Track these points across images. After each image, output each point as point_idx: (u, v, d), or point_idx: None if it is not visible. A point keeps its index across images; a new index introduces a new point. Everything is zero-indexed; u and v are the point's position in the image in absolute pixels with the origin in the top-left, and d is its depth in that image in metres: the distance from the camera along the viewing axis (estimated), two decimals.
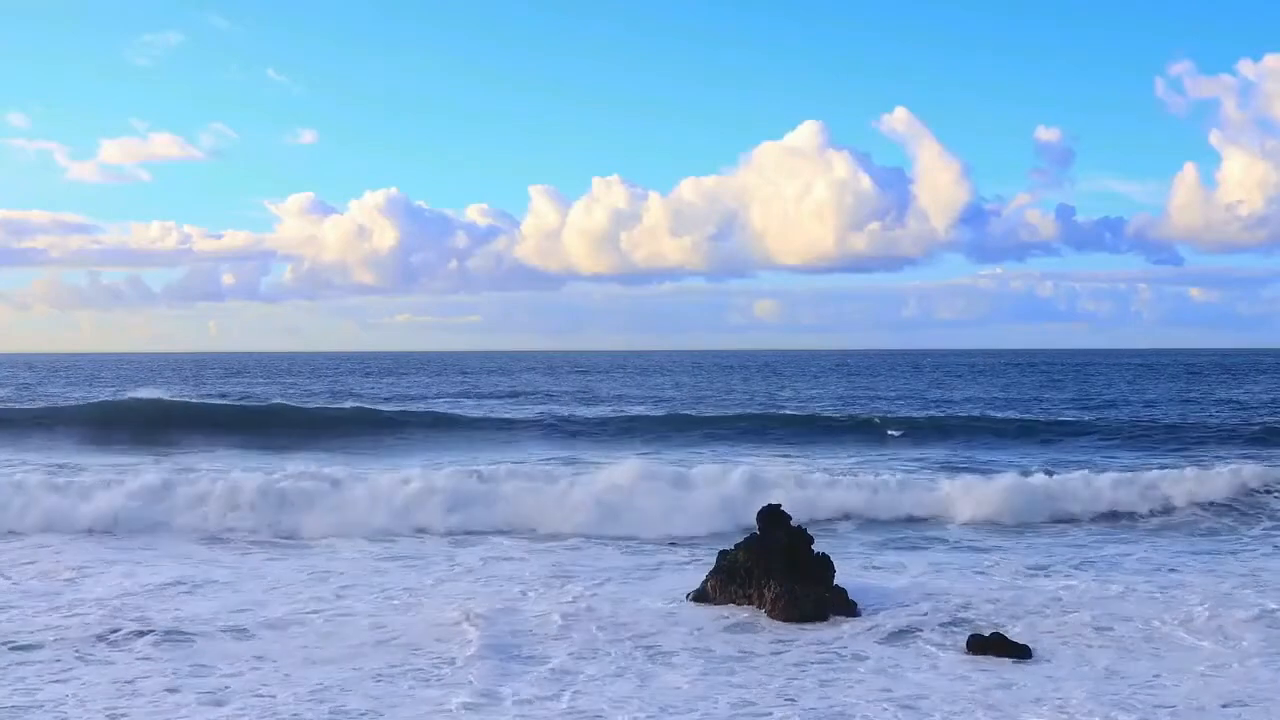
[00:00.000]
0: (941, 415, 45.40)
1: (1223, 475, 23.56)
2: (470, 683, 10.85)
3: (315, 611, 13.89)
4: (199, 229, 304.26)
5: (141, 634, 12.60)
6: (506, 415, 46.29)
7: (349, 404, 50.35)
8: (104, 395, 56.93)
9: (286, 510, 20.61)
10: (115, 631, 12.72)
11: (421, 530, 20.14)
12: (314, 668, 11.35)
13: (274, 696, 10.41)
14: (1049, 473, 24.51)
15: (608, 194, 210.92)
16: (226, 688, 10.69)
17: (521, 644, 12.31)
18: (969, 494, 22.24)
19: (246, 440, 33.33)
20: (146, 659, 11.73)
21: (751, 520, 15.19)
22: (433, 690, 10.63)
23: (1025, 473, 24.55)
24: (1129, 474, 24.17)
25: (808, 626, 13.10)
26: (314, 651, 12.00)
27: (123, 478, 22.61)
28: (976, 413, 47.88)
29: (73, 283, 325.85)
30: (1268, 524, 21.31)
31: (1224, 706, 10.28)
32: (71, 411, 43.18)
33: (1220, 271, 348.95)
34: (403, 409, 48.82)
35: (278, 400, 53.65)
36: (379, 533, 19.79)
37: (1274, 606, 14.21)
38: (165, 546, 18.71)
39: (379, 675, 11.09)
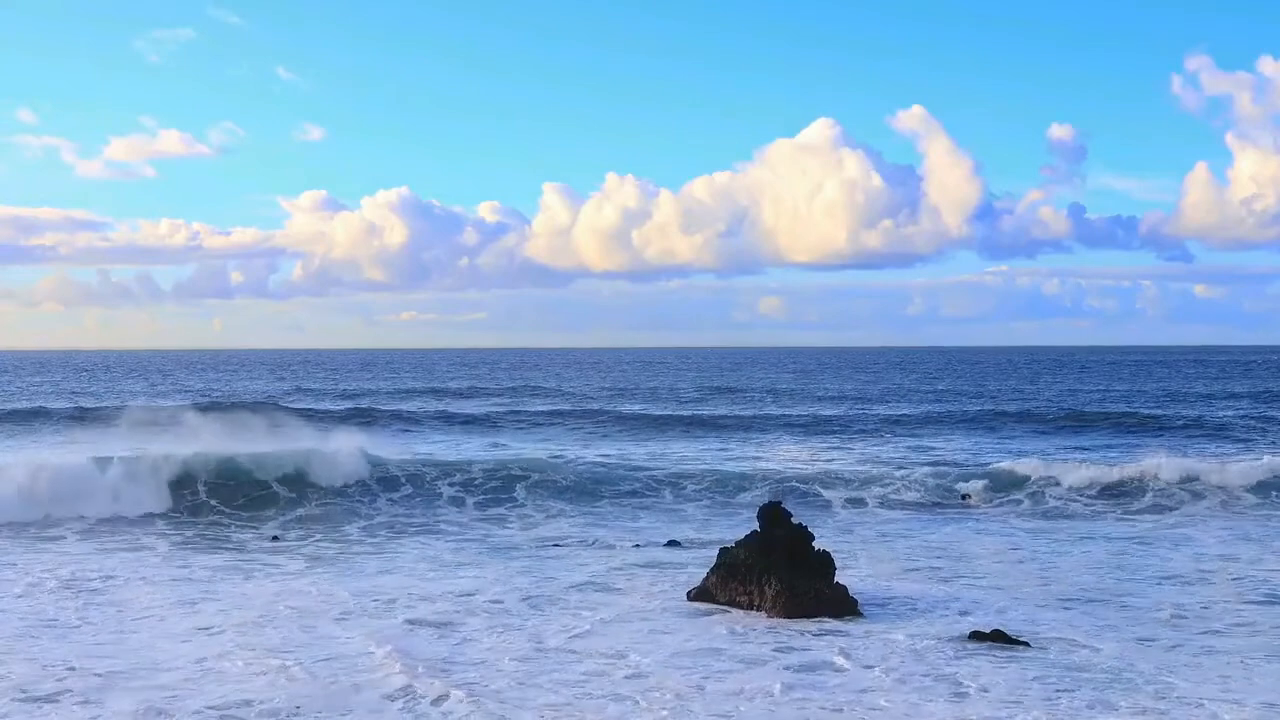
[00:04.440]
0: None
1: None
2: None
3: None
4: (208, 226, 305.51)
5: None
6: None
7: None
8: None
9: None
10: None
11: None
12: None
13: None
14: None
15: (619, 191, 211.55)
16: None
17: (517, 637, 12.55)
18: None
19: None
20: None
21: None
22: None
23: None
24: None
25: (807, 622, 13.24)
26: None
27: None
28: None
29: (81, 280, 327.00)
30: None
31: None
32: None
33: (1229, 269, 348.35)
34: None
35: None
36: None
37: None
38: None
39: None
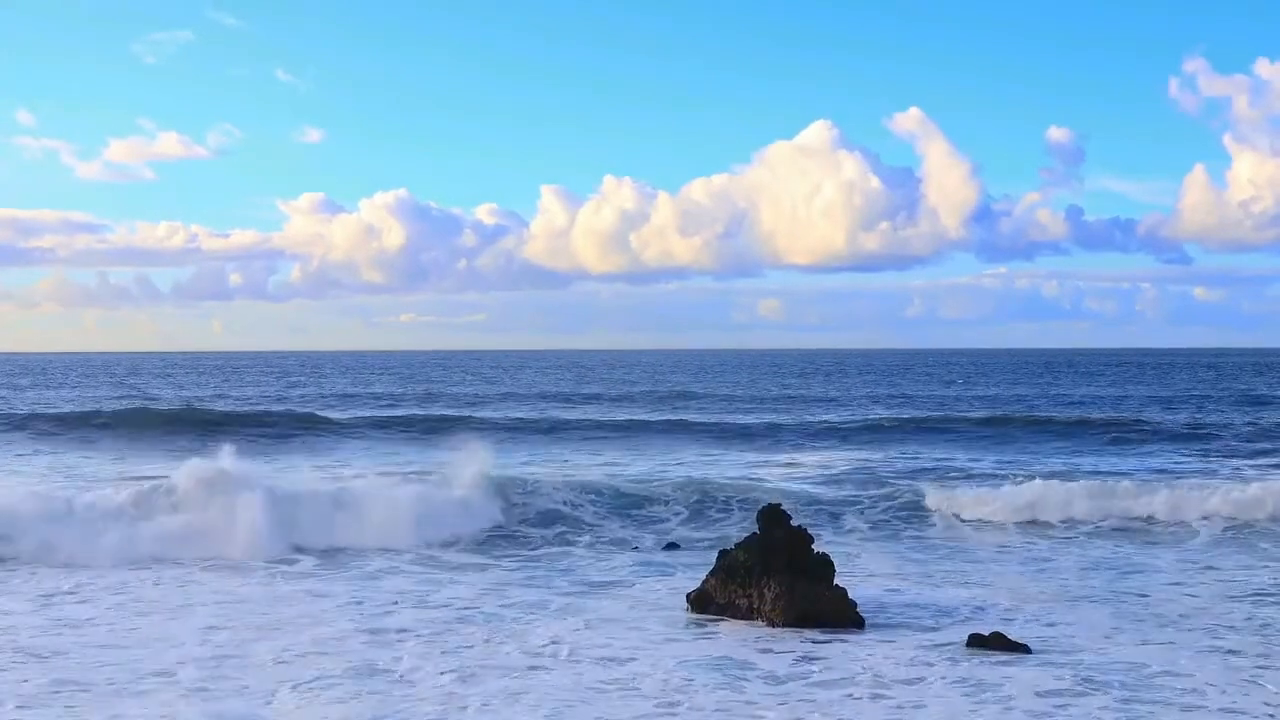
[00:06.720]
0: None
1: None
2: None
3: None
4: (206, 228, 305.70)
5: None
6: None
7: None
8: None
9: None
10: None
11: None
12: None
13: None
14: None
15: (617, 193, 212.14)
16: None
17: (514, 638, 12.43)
18: None
19: None
20: None
21: None
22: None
23: None
24: None
25: (807, 625, 13.08)
26: None
27: None
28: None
29: (80, 282, 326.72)
30: None
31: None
32: None
33: (1228, 271, 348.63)
34: None
35: None
36: None
37: None
38: None
39: None
